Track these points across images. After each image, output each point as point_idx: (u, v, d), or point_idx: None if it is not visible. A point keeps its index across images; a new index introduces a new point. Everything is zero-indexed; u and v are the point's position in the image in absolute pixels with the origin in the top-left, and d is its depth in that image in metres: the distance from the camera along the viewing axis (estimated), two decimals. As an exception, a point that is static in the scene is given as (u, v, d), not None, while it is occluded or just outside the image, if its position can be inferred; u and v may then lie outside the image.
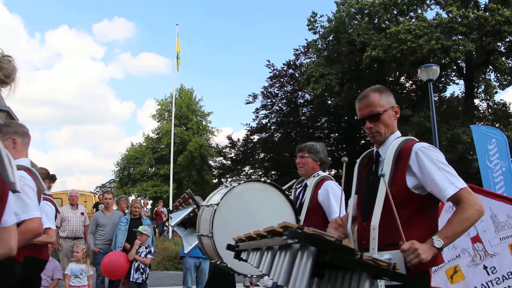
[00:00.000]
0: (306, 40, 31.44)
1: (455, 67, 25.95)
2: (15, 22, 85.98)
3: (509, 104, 25.38)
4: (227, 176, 34.94)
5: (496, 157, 11.91)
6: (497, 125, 22.45)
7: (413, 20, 23.37)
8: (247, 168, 34.40)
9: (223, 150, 35.93)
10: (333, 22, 25.83)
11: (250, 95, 33.23)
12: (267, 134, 33.66)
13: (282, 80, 32.81)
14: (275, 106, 33.40)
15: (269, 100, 33.18)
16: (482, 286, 4.57)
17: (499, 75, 25.80)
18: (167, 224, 20.51)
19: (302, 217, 3.62)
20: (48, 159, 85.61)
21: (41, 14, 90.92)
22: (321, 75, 25.00)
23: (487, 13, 21.02)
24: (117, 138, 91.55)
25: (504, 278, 4.47)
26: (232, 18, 74.75)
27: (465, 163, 21.09)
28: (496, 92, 26.84)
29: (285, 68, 32.64)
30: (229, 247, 2.40)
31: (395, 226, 2.11)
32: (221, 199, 3.17)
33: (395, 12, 24.41)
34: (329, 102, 29.04)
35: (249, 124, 33.63)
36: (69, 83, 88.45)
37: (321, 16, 26.82)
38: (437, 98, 25.69)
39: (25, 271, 3.09)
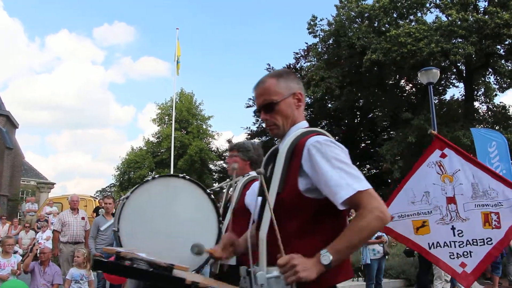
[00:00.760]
0: (306, 43, 31.49)
1: (455, 70, 26.01)
2: (15, 26, 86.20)
3: (509, 107, 25.42)
4: (227, 179, 34.94)
5: (497, 159, 11.93)
6: (496, 128, 22.47)
7: (413, 24, 23.44)
8: (248, 171, 34.42)
9: (223, 154, 35.96)
10: (333, 26, 25.90)
11: (250, 98, 33.23)
12: (267, 138, 33.64)
13: (282, 83, 32.87)
14: (275, 110, 33.46)
15: (269, 104, 33.24)
16: (444, 243, 4.68)
17: (498, 78, 25.87)
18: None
19: (226, 220, 3.30)
20: (49, 164, 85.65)
21: (41, 18, 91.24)
22: (321, 79, 25.04)
23: (486, 16, 21.08)
24: (117, 142, 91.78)
25: (468, 243, 4.56)
26: (232, 22, 74.98)
27: (465, 166, 21.10)
28: (496, 95, 26.94)
29: (285, 72, 32.71)
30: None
31: (285, 237, 1.79)
32: (131, 192, 2.92)
33: (395, 15, 24.47)
34: (329, 105, 29.08)
35: (250, 127, 33.67)
36: (70, 87, 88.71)
37: (321, 20, 26.92)
38: (437, 101, 25.71)
39: None
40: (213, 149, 36.70)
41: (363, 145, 33.03)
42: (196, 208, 3.04)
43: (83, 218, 8.95)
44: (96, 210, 17.09)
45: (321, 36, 26.99)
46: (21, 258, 8.41)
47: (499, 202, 4.51)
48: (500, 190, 4.55)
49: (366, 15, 24.63)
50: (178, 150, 32.91)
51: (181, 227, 2.87)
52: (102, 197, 19.15)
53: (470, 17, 21.24)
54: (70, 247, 8.45)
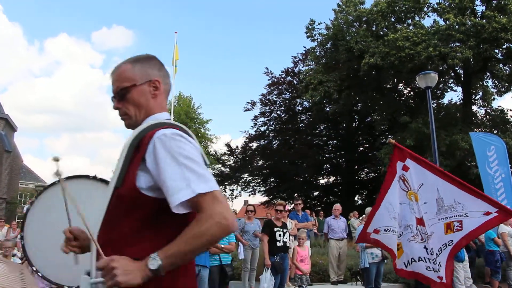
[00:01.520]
0: (305, 47, 31.62)
1: (452, 74, 26.08)
2: (15, 30, 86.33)
3: (507, 111, 25.44)
4: (226, 183, 34.96)
5: (496, 163, 11.96)
6: (495, 132, 22.50)
7: (411, 28, 23.51)
8: (245, 175, 34.44)
9: (221, 158, 35.94)
10: (331, 30, 25.97)
11: (248, 102, 33.35)
12: (265, 141, 33.71)
13: (280, 87, 32.92)
14: (273, 113, 33.49)
15: (267, 108, 33.27)
16: (419, 258, 4.55)
17: (496, 82, 25.94)
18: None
19: None
20: (47, 166, 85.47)
21: (41, 22, 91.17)
22: (319, 82, 25.09)
23: (484, 21, 21.14)
24: (115, 145, 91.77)
25: (437, 255, 4.41)
26: (230, 26, 75.11)
27: (464, 170, 21.13)
28: (494, 99, 26.99)
29: (283, 76, 32.78)
30: None
31: (120, 237, 1.68)
32: (37, 197, 2.71)
33: (392, 19, 24.54)
34: (328, 109, 29.13)
35: (248, 131, 33.75)
36: (68, 90, 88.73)
37: (319, 24, 27.00)
38: (435, 105, 25.77)
39: None
40: (211, 152, 36.66)
41: (361, 149, 33.07)
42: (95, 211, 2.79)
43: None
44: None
45: (319, 40, 27.07)
46: (20, 261, 8.38)
47: (464, 214, 4.23)
48: (467, 202, 4.22)
49: (364, 19, 24.70)
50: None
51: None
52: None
53: (468, 21, 21.30)
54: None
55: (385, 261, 9.13)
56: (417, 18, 24.38)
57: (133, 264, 1.57)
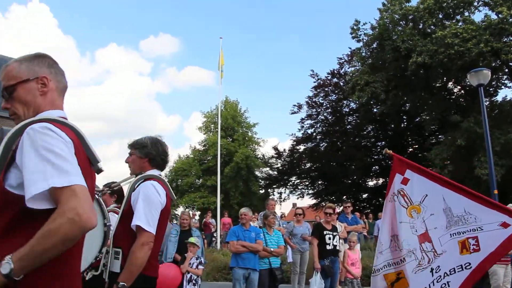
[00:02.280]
0: (350, 48, 31.27)
1: (506, 70, 25.11)
2: (68, 43, 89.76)
3: None
4: (274, 186, 35.00)
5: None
6: (552, 129, 21.50)
7: (460, 24, 22.80)
8: (293, 178, 34.35)
9: (269, 161, 36.02)
10: (377, 29, 25.56)
11: (295, 105, 33.22)
12: (313, 144, 33.51)
13: (326, 89, 32.68)
14: (320, 116, 33.27)
15: (314, 110, 33.09)
16: None
17: (553, 77, 24.81)
18: (215, 235, 20.74)
19: (115, 221, 3.13)
20: (100, 174, 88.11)
21: (92, 34, 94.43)
22: (366, 83, 24.75)
23: (540, 13, 20.27)
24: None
25: (445, 274, 3.93)
26: (275, 29, 75.22)
27: (520, 169, 20.35)
28: (551, 95, 25.80)
29: (329, 77, 32.54)
30: None
31: None
32: None
33: (440, 16, 23.89)
34: (375, 110, 28.68)
35: (295, 134, 33.63)
36: (118, 98, 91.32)
37: (364, 24, 26.61)
38: (488, 102, 24.88)
39: None
40: (259, 156, 36.82)
41: (410, 149, 32.32)
42: None
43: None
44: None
45: (364, 40, 26.69)
46: None
47: (479, 227, 3.81)
48: (479, 213, 3.83)
49: (410, 17, 24.16)
50: (224, 157, 33.22)
51: None
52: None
53: (523, 14, 20.48)
54: None
55: None
56: (466, 14, 23.62)
57: None
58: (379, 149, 32.99)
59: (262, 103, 76.20)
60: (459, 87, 27.91)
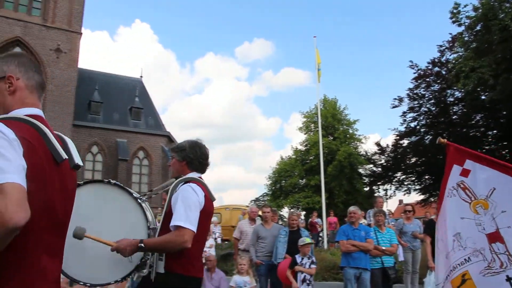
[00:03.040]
0: (450, 34, 29.61)
1: None
2: (169, 56, 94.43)
3: None
4: (379, 183, 34.18)
5: None
6: None
7: None
8: (399, 174, 33.28)
9: (372, 157, 35.23)
10: (480, 10, 24.01)
11: (395, 98, 32.17)
12: (417, 138, 32.23)
13: (428, 79, 31.27)
14: (423, 108, 31.90)
15: (416, 102, 31.81)
16: None
17: None
18: (321, 235, 20.69)
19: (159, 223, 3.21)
20: (205, 178, 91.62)
21: (190, 46, 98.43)
22: (471, 69, 23.34)
23: None
24: (266, 153, 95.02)
25: None
26: (369, 23, 73.42)
27: None
28: None
29: (430, 67, 31.09)
30: None
31: None
32: None
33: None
34: (483, 97, 26.94)
35: (397, 128, 32.56)
36: (219, 104, 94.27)
37: (465, 6, 25.08)
38: None
39: None
40: (361, 153, 36.17)
41: (528, 137, 30.00)
42: (124, 214, 3.01)
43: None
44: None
45: (466, 23, 25.17)
46: None
47: None
48: None
49: (519, -7, 22.47)
50: (326, 156, 33.03)
51: (109, 234, 2.86)
52: (252, 206, 19.95)
53: None
54: (246, 254, 8.63)
55: None
56: None
57: None
58: (490, 139, 30.97)
59: (361, 99, 74.83)
60: None
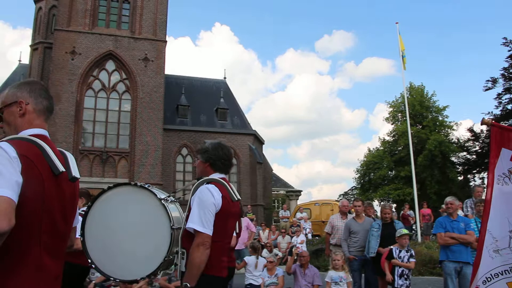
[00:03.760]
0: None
1: None
2: (250, 56, 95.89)
3: None
4: (474, 172, 32.51)
5: None
6: None
7: None
8: (497, 160, 31.42)
9: (465, 145, 33.58)
10: None
11: (488, 80, 30.40)
12: (516, 120, 30.29)
13: (525, 56, 29.24)
14: (520, 88, 29.91)
15: (512, 82, 29.89)
16: None
17: None
18: (414, 227, 20.07)
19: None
20: (292, 174, 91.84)
21: (270, 44, 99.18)
22: None
23: None
24: (352, 145, 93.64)
25: None
26: (453, 1, 69.75)
27: None
28: None
29: (527, 42, 29.05)
30: None
31: None
32: (92, 203, 3.17)
33: None
34: None
35: (492, 112, 30.75)
36: (302, 100, 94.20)
37: None
38: None
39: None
40: (453, 140, 34.57)
41: None
42: (148, 215, 3.10)
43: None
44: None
45: None
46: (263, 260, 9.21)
47: None
48: None
49: None
50: (416, 146, 31.95)
51: (135, 234, 3.06)
52: (343, 200, 19.72)
53: None
54: (337, 249, 8.50)
55: None
56: None
57: None
58: None
59: (450, 85, 71.37)
60: None
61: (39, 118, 2.14)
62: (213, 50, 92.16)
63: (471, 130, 32.63)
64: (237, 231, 5.07)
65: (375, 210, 11.18)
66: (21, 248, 1.82)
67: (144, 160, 27.22)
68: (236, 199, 3.29)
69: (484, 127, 31.12)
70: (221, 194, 3.11)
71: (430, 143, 32.17)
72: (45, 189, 1.89)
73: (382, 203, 29.57)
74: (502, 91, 30.08)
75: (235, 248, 9.81)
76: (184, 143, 31.38)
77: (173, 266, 3.28)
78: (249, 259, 8.93)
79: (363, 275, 8.11)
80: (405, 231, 7.24)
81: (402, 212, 21.46)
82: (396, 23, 22.57)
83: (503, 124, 3.52)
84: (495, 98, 30.55)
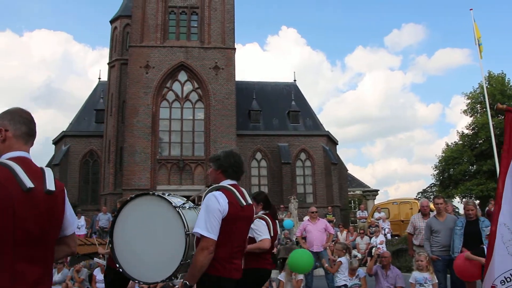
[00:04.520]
0: None
1: None
2: (319, 57, 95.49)
3: None
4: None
5: None
6: None
7: None
8: None
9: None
10: None
11: None
12: None
13: None
14: None
15: None
16: None
17: None
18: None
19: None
20: (367, 173, 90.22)
21: (338, 43, 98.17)
22: None
23: None
24: (428, 141, 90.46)
25: None
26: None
27: None
28: None
29: None
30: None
31: None
32: (119, 212, 3.59)
33: None
34: None
35: None
36: (374, 97, 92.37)
37: None
38: None
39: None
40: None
41: None
42: (165, 222, 3.40)
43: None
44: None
45: None
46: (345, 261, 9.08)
47: None
48: None
49: None
50: (498, 138, 30.34)
51: (154, 241, 3.40)
52: (423, 200, 19.11)
53: None
54: (421, 250, 8.14)
55: None
56: None
57: None
58: None
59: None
60: None
61: (18, 142, 2.40)
62: (282, 53, 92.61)
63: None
64: (272, 234, 5.33)
65: (455, 206, 10.76)
66: None
67: (219, 166, 27.77)
68: (245, 204, 3.45)
69: None
70: (227, 200, 3.27)
71: (514, 134, 30.47)
72: (14, 205, 2.11)
73: (464, 199, 28.38)
74: None
75: (313, 251, 9.90)
76: (258, 148, 31.76)
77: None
78: (344, 260, 8.78)
79: (448, 276, 7.83)
80: None
81: (487, 208, 20.49)
82: (470, 9, 21.52)
83: None
84: None
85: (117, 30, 31.46)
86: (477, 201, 30.03)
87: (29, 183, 2.21)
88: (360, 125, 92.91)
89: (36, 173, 2.31)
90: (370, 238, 15.86)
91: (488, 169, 30.40)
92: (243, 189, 3.58)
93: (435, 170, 37.10)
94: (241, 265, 3.51)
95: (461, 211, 19.86)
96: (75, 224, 2.65)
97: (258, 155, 31.90)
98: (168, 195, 3.53)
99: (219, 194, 3.29)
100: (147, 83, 28.16)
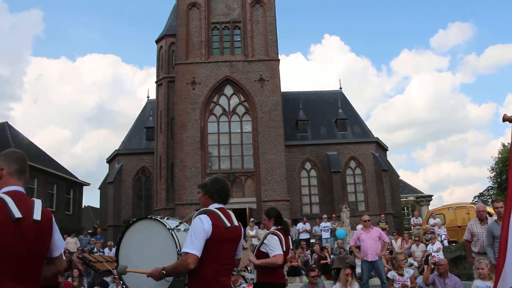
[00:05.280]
0: None
1: None
2: (364, 63, 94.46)
3: None
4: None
5: None
6: None
7: None
8: None
9: None
10: None
11: None
12: None
13: None
14: None
15: None
16: None
17: None
18: None
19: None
20: (420, 178, 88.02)
21: (382, 48, 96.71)
22: None
23: None
24: (483, 142, 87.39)
25: None
26: None
27: None
28: None
29: None
30: None
31: None
32: (122, 234, 4.00)
33: None
34: None
35: None
36: (422, 100, 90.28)
37: None
38: None
39: None
40: None
41: None
42: (160, 243, 3.73)
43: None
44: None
45: None
46: (411, 272, 8.95)
47: None
48: None
49: None
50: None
51: (149, 260, 3.66)
52: (479, 205, 18.43)
53: None
54: (482, 257, 7.80)
55: None
56: None
57: None
58: None
59: None
60: None
61: (13, 178, 2.78)
62: (326, 61, 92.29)
63: None
64: (284, 249, 5.55)
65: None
66: None
67: (269, 178, 27.83)
68: (229, 225, 3.67)
69: None
70: (211, 222, 3.53)
71: None
72: (5, 233, 2.45)
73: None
74: None
75: (368, 260, 9.79)
76: (307, 158, 31.66)
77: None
78: (410, 271, 8.59)
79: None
80: None
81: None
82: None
83: None
84: None
85: (163, 49, 32.29)
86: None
87: (17, 214, 2.54)
88: (410, 129, 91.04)
89: (26, 204, 2.65)
90: (426, 245, 15.45)
91: (550, 169, 29.06)
92: (230, 212, 3.79)
93: (491, 172, 35.92)
94: (229, 282, 3.76)
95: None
96: (62, 247, 2.97)
97: (308, 165, 31.78)
98: (166, 219, 3.91)
99: (204, 217, 3.55)
100: (194, 98, 28.70)
